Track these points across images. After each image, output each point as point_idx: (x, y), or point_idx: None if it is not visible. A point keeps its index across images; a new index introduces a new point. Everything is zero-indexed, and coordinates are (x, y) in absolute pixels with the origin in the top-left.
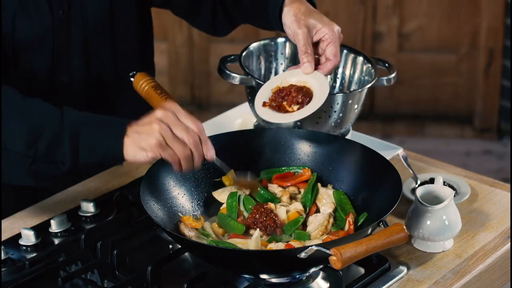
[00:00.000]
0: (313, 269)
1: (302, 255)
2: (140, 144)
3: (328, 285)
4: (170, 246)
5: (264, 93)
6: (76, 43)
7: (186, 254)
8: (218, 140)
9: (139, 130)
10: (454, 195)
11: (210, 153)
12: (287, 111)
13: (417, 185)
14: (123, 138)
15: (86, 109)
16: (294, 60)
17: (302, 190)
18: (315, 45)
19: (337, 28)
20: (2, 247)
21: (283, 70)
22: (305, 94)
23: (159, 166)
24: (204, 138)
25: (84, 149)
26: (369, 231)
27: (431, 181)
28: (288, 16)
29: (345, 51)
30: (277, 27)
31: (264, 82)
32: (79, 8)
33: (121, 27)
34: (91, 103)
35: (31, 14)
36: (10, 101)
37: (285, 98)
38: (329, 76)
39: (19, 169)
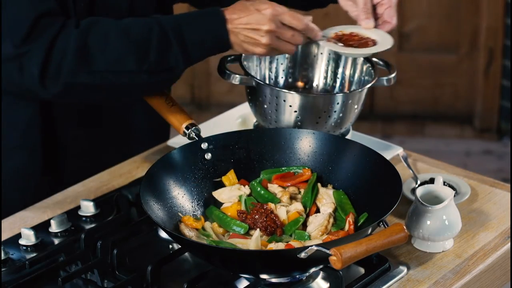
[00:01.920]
0: (313, 269)
1: (302, 255)
2: (249, 45)
3: (328, 285)
4: (170, 246)
5: (327, 33)
6: None
7: (186, 254)
8: (218, 140)
9: (246, 37)
10: (454, 195)
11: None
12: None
13: (417, 185)
14: (226, 25)
15: None
16: (294, 60)
17: (302, 190)
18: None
19: None
20: (2, 247)
21: (283, 70)
22: (367, 41)
23: (159, 166)
24: (308, 27)
25: (193, 46)
26: (369, 231)
27: (431, 181)
28: None
29: None
30: None
31: (264, 82)
32: (102, 8)
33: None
34: None
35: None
36: (107, 26)
37: (345, 40)
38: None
39: (139, 86)
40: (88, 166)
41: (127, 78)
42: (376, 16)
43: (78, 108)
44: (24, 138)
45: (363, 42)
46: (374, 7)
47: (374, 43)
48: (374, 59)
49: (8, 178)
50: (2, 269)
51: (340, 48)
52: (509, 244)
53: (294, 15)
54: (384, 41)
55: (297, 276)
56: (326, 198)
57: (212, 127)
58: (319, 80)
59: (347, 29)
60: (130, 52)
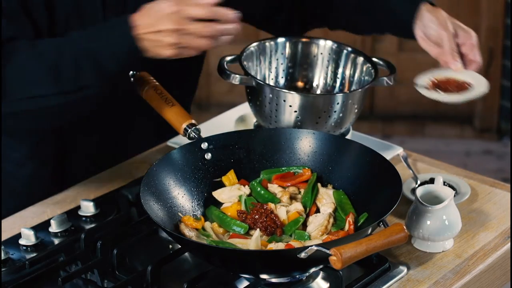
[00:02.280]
0: (313, 269)
1: (302, 255)
2: (157, 48)
3: (328, 285)
4: (170, 246)
5: (423, 82)
6: None
7: (186, 254)
8: (218, 140)
9: (153, 41)
10: (454, 195)
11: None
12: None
13: (417, 185)
14: (133, 32)
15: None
16: (294, 60)
17: (302, 190)
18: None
19: (474, 33)
20: (2, 247)
21: (283, 70)
22: (463, 85)
23: (159, 166)
24: (217, 12)
25: (106, 61)
26: (369, 231)
27: (431, 181)
28: (431, 20)
29: (345, 51)
30: (395, 30)
31: (264, 82)
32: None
33: None
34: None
35: (85, 19)
36: (22, 53)
37: (444, 87)
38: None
39: (58, 109)
40: (92, 170)
41: (44, 102)
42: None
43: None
44: (36, 148)
45: (460, 86)
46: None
47: (469, 85)
48: (374, 59)
49: (20, 185)
50: (2, 269)
51: (444, 98)
52: (509, 244)
53: (197, 4)
54: (479, 82)
55: (297, 276)
56: (326, 198)
57: (212, 127)
58: (319, 80)
59: (438, 74)
60: (44, 76)
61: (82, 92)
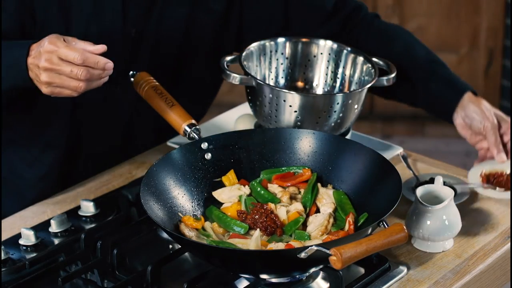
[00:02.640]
0: (313, 269)
1: (302, 255)
2: (37, 82)
3: (328, 285)
4: (170, 246)
5: (475, 179)
6: (142, 61)
7: (186, 254)
8: (218, 140)
9: (34, 74)
10: (454, 195)
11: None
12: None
13: (415, 184)
14: (27, 59)
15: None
16: (294, 61)
17: (302, 190)
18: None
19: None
20: (2, 247)
21: (283, 70)
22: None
23: (160, 166)
24: (89, 60)
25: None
26: (369, 231)
27: (431, 181)
28: (475, 111)
29: (345, 51)
30: (432, 111)
31: (264, 82)
32: (154, 29)
33: (189, 53)
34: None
35: (104, 24)
36: None
37: (497, 180)
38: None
39: None
40: (93, 170)
41: None
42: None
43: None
44: (46, 151)
45: (508, 180)
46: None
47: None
48: (374, 59)
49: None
50: (2, 269)
51: (502, 195)
52: (509, 244)
53: (72, 48)
54: None
55: (297, 276)
56: (326, 198)
57: (212, 127)
58: (319, 80)
59: (486, 167)
60: None
61: None
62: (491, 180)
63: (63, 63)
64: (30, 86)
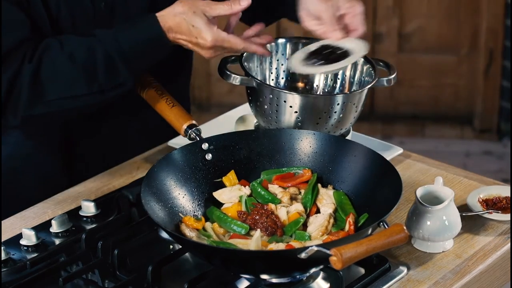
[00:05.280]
0: (313, 270)
1: (303, 255)
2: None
3: (328, 285)
4: (171, 247)
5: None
6: None
7: (187, 254)
8: (219, 141)
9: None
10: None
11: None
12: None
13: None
14: (160, 26)
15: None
16: None
17: (302, 191)
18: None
19: (361, 5)
20: (3, 247)
21: (284, 71)
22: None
23: (160, 167)
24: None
25: (134, 56)
26: (370, 231)
27: None
28: None
29: None
30: (289, 16)
31: (265, 83)
32: (123, 1)
33: None
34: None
35: (73, 2)
36: (54, 54)
37: (497, 206)
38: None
39: (95, 105)
40: (93, 170)
41: (81, 102)
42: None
43: (88, 117)
44: (44, 151)
45: (507, 205)
46: (341, 18)
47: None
48: (374, 59)
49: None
50: (3, 269)
51: (506, 217)
52: (509, 244)
53: (232, 41)
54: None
55: (298, 276)
56: (327, 199)
57: (213, 127)
58: (319, 80)
59: (480, 193)
60: (79, 77)
61: (118, 89)
62: (491, 205)
63: (227, 49)
64: (165, 52)
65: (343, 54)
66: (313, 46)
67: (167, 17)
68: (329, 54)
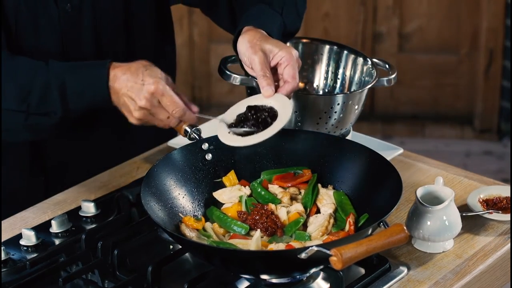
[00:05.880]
0: (313, 270)
1: (303, 255)
2: (124, 111)
3: (328, 285)
4: (171, 247)
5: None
6: (87, 38)
7: (187, 254)
8: (219, 141)
9: (124, 102)
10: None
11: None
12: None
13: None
14: (108, 82)
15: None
16: None
17: (302, 191)
18: (273, 70)
19: (294, 51)
20: (3, 247)
21: None
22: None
23: (160, 167)
24: (185, 116)
25: (72, 96)
26: (370, 231)
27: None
28: (243, 43)
29: (345, 52)
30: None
31: None
32: (91, 2)
33: (136, 22)
34: None
35: (35, 4)
36: (1, 61)
37: (498, 206)
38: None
39: (16, 126)
40: (93, 170)
41: (6, 116)
42: (278, 78)
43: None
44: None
45: (508, 205)
46: (275, 68)
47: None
48: (374, 59)
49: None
50: (3, 270)
51: (507, 217)
52: (509, 244)
53: (174, 99)
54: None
55: (298, 276)
56: (327, 199)
57: (213, 127)
58: (319, 80)
59: (480, 193)
60: (13, 91)
61: (43, 118)
62: (491, 205)
63: (162, 109)
64: (107, 107)
65: (272, 116)
66: (239, 109)
67: (121, 65)
68: (257, 118)
